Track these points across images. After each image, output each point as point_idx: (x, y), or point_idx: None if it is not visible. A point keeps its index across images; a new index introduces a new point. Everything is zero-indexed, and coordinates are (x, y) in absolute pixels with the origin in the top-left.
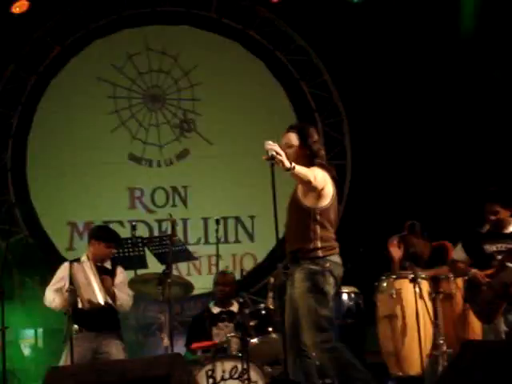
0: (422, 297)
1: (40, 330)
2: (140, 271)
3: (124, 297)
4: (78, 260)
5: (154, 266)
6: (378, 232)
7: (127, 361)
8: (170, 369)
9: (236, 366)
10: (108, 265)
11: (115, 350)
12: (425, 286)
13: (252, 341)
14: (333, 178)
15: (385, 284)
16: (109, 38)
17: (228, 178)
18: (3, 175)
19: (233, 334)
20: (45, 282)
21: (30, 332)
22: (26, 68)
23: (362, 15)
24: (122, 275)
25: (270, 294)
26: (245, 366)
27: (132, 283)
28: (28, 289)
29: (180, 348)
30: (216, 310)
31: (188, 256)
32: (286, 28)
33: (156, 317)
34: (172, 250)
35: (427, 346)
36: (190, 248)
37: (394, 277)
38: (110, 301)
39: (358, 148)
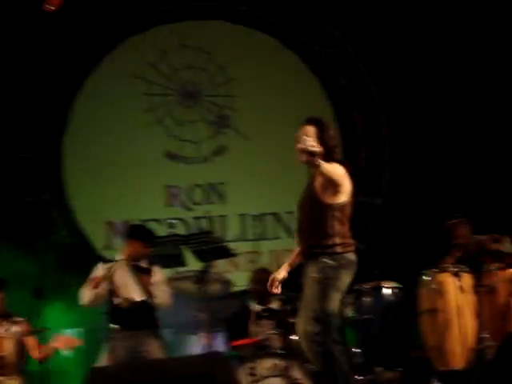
0: (464, 290)
1: (80, 330)
2: (178, 269)
3: (162, 294)
4: (112, 260)
5: (193, 264)
6: (417, 225)
7: (167, 360)
8: (211, 367)
9: (277, 364)
10: (144, 264)
11: (154, 349)
12: (467, 279)
13: (293, 338)
14: (349, 173)
15: (427, 278)
16: (143, 35)
17: (265, 174)
18: (40, 175)
19: (273, 332)
20: (83, 281)
21: (69, 332)
22: (61, 66)
23: (401, 6)
24: (159, 274)
25: None
26: (286, 364)
27: (171, 281)
28: (67, 288)
29: (220, 346)
30: (256, 307)
31: (226, 253)
32: (321, 20)
33: (195, 315)
34: (210, 247)
35: (470, 339)
36: (228, 245)
37: (436, 270)
38: (147, 299)
39: (396, 140)
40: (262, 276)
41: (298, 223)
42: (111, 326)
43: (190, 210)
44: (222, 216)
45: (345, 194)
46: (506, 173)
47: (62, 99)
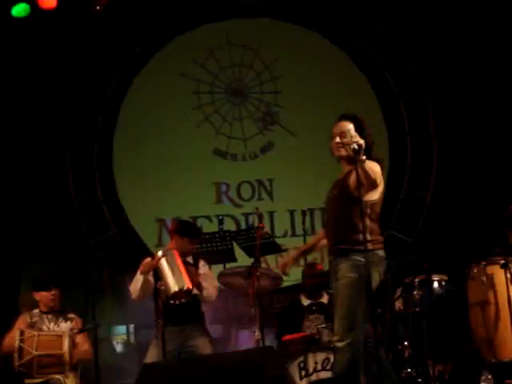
0: None
1: (132, 326)
2: (229, 265)
3: (209, 287)
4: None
5: (243, 260)
6: (465, 218)
7: (218, 355)
8: (263, 362)
9: (328, 358)
10: (190, 259)
11: (202, 344)
12: None
13: None
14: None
15: (475, 270)
16: (190, 34)
17: (313, 169)
18: (91, 174)
19: (324, 326)
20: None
21: (121, 328)
22: (109, 67)
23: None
24: (204, 267)
25: None
26: None
27: (221, 276)
28: (118, 286)
29: (271, 341)
30: (306, 301)
31: (276, 248)
32: (367, 16)
33: (246, 310)
34: (260, 242)
35: None
36: (278, 241)
37: (485, 263)
38: (195, 290)
39: (444, 133)
40: (311, 271)
41: (327, 219)
42: (159, 321)
43: (238, 206)
44: (270, 212)
45: (378, 192)
46: None
47: (112, 99)
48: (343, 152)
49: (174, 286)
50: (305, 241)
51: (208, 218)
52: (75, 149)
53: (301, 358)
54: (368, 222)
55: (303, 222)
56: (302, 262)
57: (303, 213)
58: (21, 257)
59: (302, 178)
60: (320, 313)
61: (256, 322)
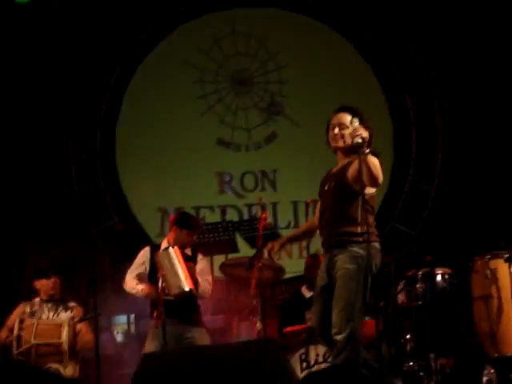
0: None
1: (132, 316)
2: (231, 255)
3: (205, 284)
4: (158, 246)
5: (245, 250)
6: (469, 212)
7: (218, 345)
8: (264, 353)
9: (329, 350)
10: (188, 251)
11: (199, 335)
12: None
13: None
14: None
15: (479, 264)
16: (194, 23)
17: (317, 160)
18: (93, 162)
19: None
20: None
21: (122, 318)
22: (113, 55)
23: None
24: (202, 262)
25: None
26: None
27: (223, 267)
28: (120, 275)
29: (273, 332)
30: (308, 293)
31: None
32: (374, 6)
33: (248, 301)
34: (262, 233)
35: None
36: (281, 232)
37: (489, 256)
38: (194, 288)
39: (449, 126)
40: (313, 262)
41: (321, 211)
42: (156, 313)
43: (241, 196)
44: (273, 203)
45: (377, 186)
46: None
47: (115, 87)
48: (341, 143)
49: (176, 289)
50: None
51: (211, 208)
52: (78, 137)
53: (302, 350)
54: (366, 214)
55: (306, 214)
56: (304, 254)
57: (306, 204)
58: (23, 244)
59: (306, 169)
60: None
61: (257, 313)
